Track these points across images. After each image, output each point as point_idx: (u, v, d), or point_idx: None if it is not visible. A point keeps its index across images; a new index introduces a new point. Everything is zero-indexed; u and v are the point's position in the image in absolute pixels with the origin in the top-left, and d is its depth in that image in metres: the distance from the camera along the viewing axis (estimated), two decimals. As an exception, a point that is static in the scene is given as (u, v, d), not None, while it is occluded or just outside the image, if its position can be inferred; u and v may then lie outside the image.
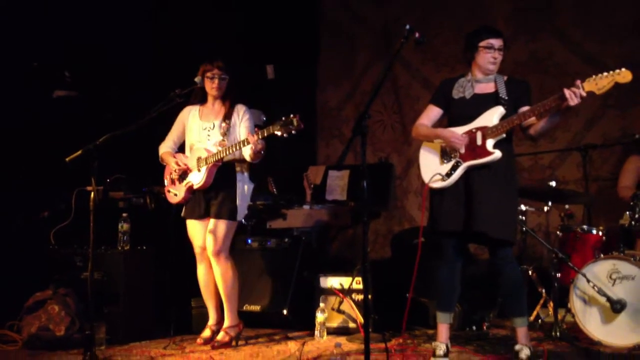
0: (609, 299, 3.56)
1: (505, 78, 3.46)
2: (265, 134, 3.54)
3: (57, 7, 4.44)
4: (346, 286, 4.21)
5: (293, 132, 3.44)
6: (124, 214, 4.15)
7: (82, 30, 4.56)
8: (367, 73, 6.27)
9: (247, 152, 3.74)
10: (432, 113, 3.58)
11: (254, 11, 5.65)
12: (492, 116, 3.36)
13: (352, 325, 4.17)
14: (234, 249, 4.16)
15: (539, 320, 4.11)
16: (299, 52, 6.14)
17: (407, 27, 3.24)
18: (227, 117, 3.86)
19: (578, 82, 3.13)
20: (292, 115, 3.42)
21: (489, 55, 3.40)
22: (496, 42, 3.40)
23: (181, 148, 4.05)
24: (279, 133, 3.48)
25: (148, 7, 4.95)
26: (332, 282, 4.27)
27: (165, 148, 4.01)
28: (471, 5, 5.67)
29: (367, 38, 6.27)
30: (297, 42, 6.09)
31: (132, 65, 4.78)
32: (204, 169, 3.78)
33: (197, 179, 3.81)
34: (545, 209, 4.10)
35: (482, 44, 3.40)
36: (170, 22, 5.07)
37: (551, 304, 3.95)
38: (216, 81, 3.84)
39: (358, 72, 6.32)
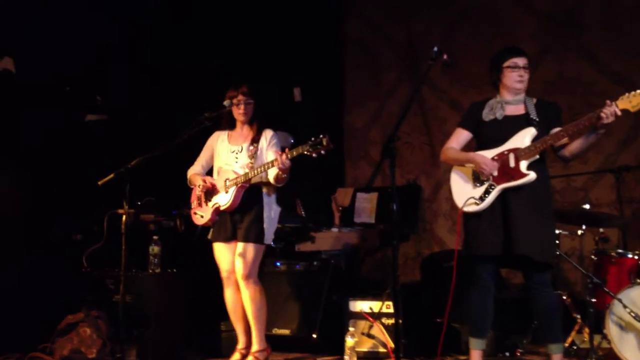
0: (646, 325, 3.47)
1: (535, 100, 3.45)
2: (295, 154, 3.55)
3: (86, 31, 4.53)
4: (376, 310, 4.17)
5: (322, 152, 3.44)
6: (155, 237, 4.17)
7: (111, 52, 4.65)
8: (393, 93, 6.28)
9: (272, 175, 3.75)
10: (461, 137, 3.56)
11: (279, 33, 5.70)
12: (524, 137, 3.34)
13: (382, 350, 4.12)
14: (263, 272, 4.15)
15: (574, 347, 4.02)
16: (325, 73, 6.18)
17: (435, 49, 3.25)
18: (255, 140, 3.89)
19: (608, 102, 3.11)
20: (321, 136, 3.43)
21: (515, 74, 3.39)
22: (520, 61, 3.40)
23: (209, 173, 4.07)
24: (308, 153, 3.47)
25: (176, 31, 5.03)
26: (361, 306, 4.23)
27: (194, 171, 4.06)
28: (497, 24, 5.66)
29: (393, 57, 6.28)
30: (323, 63, 6.13)
31: (161, 89, 4.84)
32: (231, 190, 3.79)
33: (224, 200, 3.82)
34: (579, 232, 4.04)
35: (506, 64, 3.41)
36: (198, 45, 5.14)
37: (587, 329, 3.87)
38: (242, 106, 3.88)
39: (384, 92, 6.33)
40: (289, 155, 3.58)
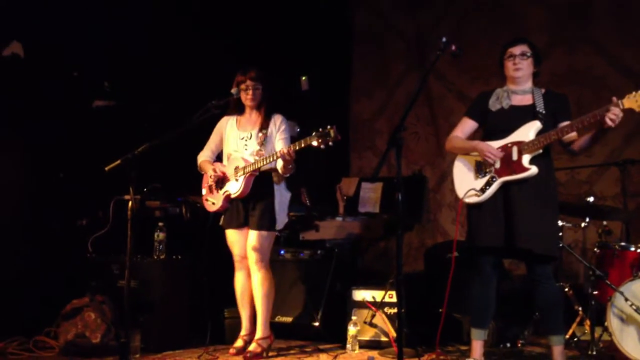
0: (647, 318, 3.48)
1: (543, 91, 3.43)
2: (303, 145, 3.55)
3: (96, 18, 4.53)
4: (379, 299, 4.19)
5: (330, 143, 3.44)
6: (160, 223, 4.20)
7: (121, 40, 4.65)
8: (400, 84, 6.27)
9: (279, 164, 3.77)
10: (467, 126, 3.56)
11: (287, 23, 5.69)
12: (529, 131, 3.33)
13: (384, 339, 4.15)
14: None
15: (575, 339, 4.03)
16: (332, 63, 6.17)
17: (444, 39, 3.24)
18: (264, 126, 3.89)
19: (615, 99, 3.08)
20: (329, 127, 3.43)
21: (510, 63, 3.41)
22: (516, 49, 3.39)
23: (219, 158, 4.09)
24: (315, 144, 3.48)
25: (184, 20, 5.03)
26: (364, 295, 4.25)
27: (204, 157, 4.06)
28: (506, 15, 5.63)
29: (401, 48, 6.27)
30: (330, 52, 6.12)
31: (169, 77, 4.85)
32: (241, 178, 3.81)
33: (234, 188, 3.84)
34: (583, 225, 4.05)
35: (505, 55, 3.42)
36: (206, 34, 5.14)
37: (588, 322, 3.88)
38: (250, 91, 3.88)
39: (391, 82, 6.32)
40: (296, 147, 3.57)
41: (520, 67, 3.38)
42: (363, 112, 6.50)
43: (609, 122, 3.08)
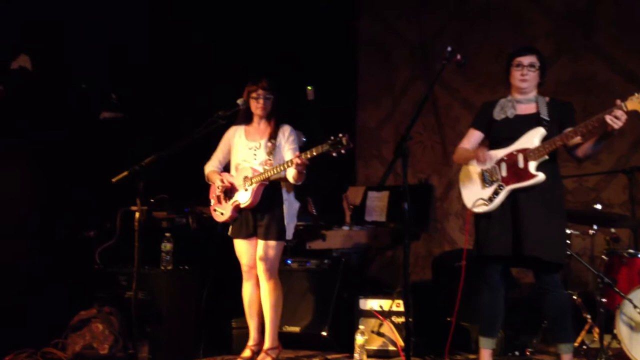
0: (656, 326, 3.47)
1: (547, 99, 3.43)
2: (315, 154, 3.54)
3: (103, 30, 4.57)
4: (386, 308, 4.18)
5: (342, 151, 3.44)
6: (167, 234, 4.21)
7: (128, 51, 4.69)
8: (406, 92, 6.28)
9: (290, 173, 3.76)
10: (473, 137, 3.57)
11: (293, 32, 5.72)
12: (533, 138, 3.33)
13: (392, 348, 4.13)
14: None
15: (584, 347, 4.00)
16: (338, 72, 6.19)
17: (449, 49, 3.26)
18: (273, 136, 3.89)
19: (618, 101, 3.08)
20: (341, 135, 3.43)
21: (517, 73, 3.40)
22: (524, 59, 3.39)
23: (227, 168, 4.10)
24: (328, 152, 3.48)
25: (191, 32, 5.07)
26: (372, 304, 4.24)
27: (211, 167, 4.06)
28: (511, 23, 5.64)
29: (406, 56, 6.28)
30: (336, 61, 6.13)
31: (176, 88, 4.88)
32: (250, 188, 3.81)
33: (244, 198, 3.84)
34: (591, 232, 4.03)
35: (512, 63, 3.41)
36: (213, 45, 5.17)
37: (597, 329, 3.86)
38: (261, 101, 3.89)
39: (397, 91, 6.33)
40: (308, 155, 3.57)
41: (527, 79, 3.38)
42: (369, 120, 6.51)
43: (610, 122, 3.06)
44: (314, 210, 4.99)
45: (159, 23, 4.85)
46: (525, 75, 3.38)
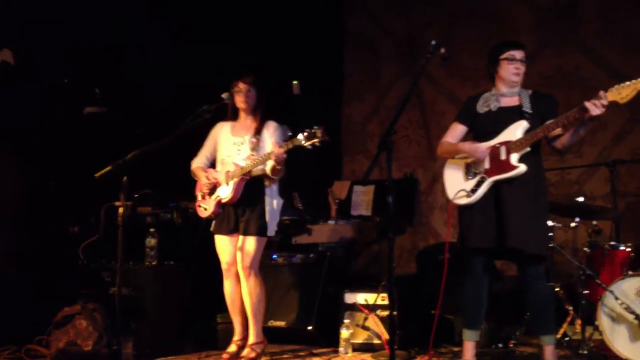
0: (637, 317, 3.49)
1: (530, 92, 3.45)
2: (290, 146, 3.56)
3: (86, 23, 4.54)
4: (371, 302, 4.20)
5: (317, 144, 3.46)
6: (152, 229, 4.19)
7: (113, 45, 4.66)
8: (392, 87, 6.28)
9: (268, 167, 3.76)
10: (457, 131, 3.58)
11: (279, 26, 5.70)
12: (516, 130, 3.35)
13: (377, 341, 4.15)
14: (260, 265, 4.17)
15: (567, 338, 4.04)
16: (324, 66, 6.18)
17: (433, 42, 3.28)
18: (258, 132, 3.89)
19: (601, 92, 3.11)
20: (316, 127, 3.45)
21: (511, 67, 3.41)
22: (518, 54, 3.41)
23: (214, 165, 4.08)
24: (303, 145, 3.49)
25: (176, 26, 5.04)
26: (357, 298, 4.26)
27: (198, 163, 4.05)
28: (495, 18, 5.66)
29: (392, 51, 6.28)
30: (322, 56, 6.13)
31: (161, 82, 4.85)
32: (232, 183, 3.81)
33: (225, 193, 3.84)
34: (573, 225, 4.06)
35: (503, 56, 3.42)
36: (199, 39, 5.15)
37: (579, 321, 3.90)
38: (242, 95, 3.88)
39: (383, 86, 6.34)
40: (284, 148, 3.59)
41: (520, 72, 3.41)
42: (355, 115, 6.51)
43: (589, 107, 3.08)
44: (300, 205, 4.99)
45: (144, 16, 4.82)
46: (519, 69, 3.41)
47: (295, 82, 5.89)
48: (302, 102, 5.81)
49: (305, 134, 3.48)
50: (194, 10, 5.22)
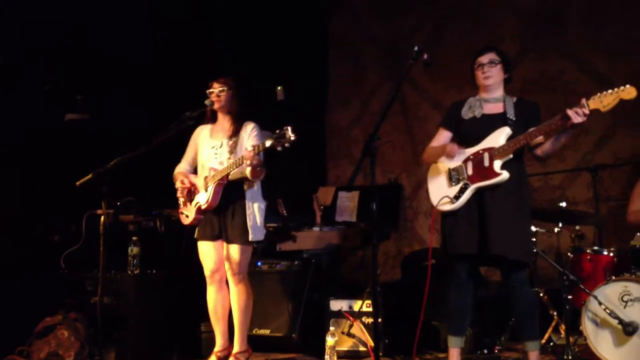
0: (620, 322, 3.51)
1: (515, 99, 3.47)
2: (261, 149, 3.50)
3: (69, 29, 4.50)
4: (356, 309, 4.18)
5: (286, 144, 3.38)
6: (134, 238, 4.15)
7: (95, 52, 4.62)
8: (376, 93, 6.30)
9: (247, 170, 3.70)
10: (442, 137, 3.59)
11: (263, 31, 5.69)
12: (499, 137, 3.36)
13: (362, 349, 4.13)
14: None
15: (551, 343, 4.06)
16: (309, 72, 6.18)
17: (416, 48, 3.29)
18: (235, 134, 3.84)
19: (583, 100, 3.13)
20: (285, 128, 3.38)
21: (479, 73, 3.46)
22: (483, 58, 3.45)
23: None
24: (270, 145, 3.42)
25: (159, 30, 5.01)
26: (342, 305, 4.24)
27: (180, 169, 4.00)
28: (479, 23, 5.70)
29: (376, 56, 6.31)
30: (307, 61, 6.13)
31: (143, 88, 4.82)
32: (209, 188, 3.75)
33: (203, 198, 3.79)
34: (556, 230, 4.08)
35: (474, 65, 3.46)
36: (181, 44, 5.12)
37: (563, 326, 3.91)
38: (214, 95, 3.82)
39: (367, 91, 6.36)
40: (255, 150, 3.53)
41: (489, 75, 3.42)
42: (340, 120, 6.51)
43: (571, 115, 3.11)
44: (284, 212, 4.97)
45: (126, 20, 4.78)
46: (487, 72, 3.42)
47: (279, 87, 5.89)
48: (287, 107, 5.81)
49: (275, 135, 3.41)
50: (177, 14, 5.18)
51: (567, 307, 3.84)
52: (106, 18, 4.67)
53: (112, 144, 4.09)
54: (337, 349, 4.05)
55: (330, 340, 4.02)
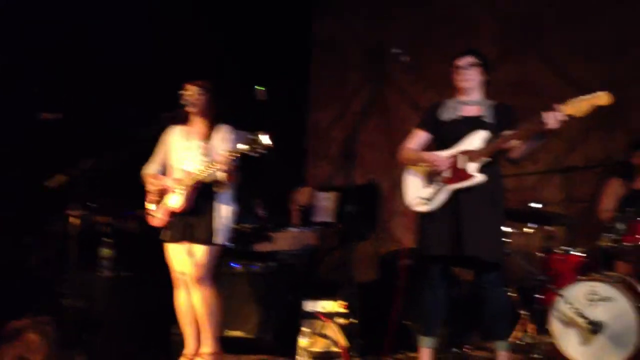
0: (587, 320, 3.55)
1: (492, 102, 3.49)
2: (235, 155, 3.49)
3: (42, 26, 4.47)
4: (331, 310, 4.18)
5: (260, 150, 3.37)
6: (106, 239, 4.11)
7: (72, 50, 4.59)
8: (358, 94, 6.30)
9: (222, 174, 3.68)
10: (419, 138, 3.60)
11: (244, 31, 5.68)
12: (476, 140, 3.38)
13: (336, 349, 4.13)
14: (218, 273, 4.12)
15: (519, 342, 4.08)
16: (291, 72, 6.17)
17: (394, 50, 3.30)
18: (208, 136, 3.81)
19: (556, 106, 3.16)
20: (257, 133, 3.36)
21: (456, 75, 3.48)
22: (460, 62, 3.47)
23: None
24: (243, 149, 3.41)
25: (139, 29, 4.98)
26: (316, 305, 4.24)
27: (148, 170, 3.97)
28: (459, 26, 5.72)
29: (358, 57, 6.32)
30: (289, 61, 6.12)
31: (122, 86, 4.79)
32: (180, 191, 3.72)
33: (174, 201, 3.76)
34: (527, 230, 4.11)
35: (453, 67, 3.48)
36: (162, 44, 5.10)
37: (531, 325, 3.94)
38: (187, 95, 3.80)
39: (349, 92, 6.36)
40: (227, 156, 3.52)
41: (466, 78, 3.45)
42: (321, 121, 6.51)
43: (546, 120, 3.14)
44: (261, 212, 4.95)
45: (106, 18, 4.75)
46: (464, 74, 3.44)
47: (260, 87, 5.87)
48: (268, 107, 5.79)
49: (248, 140, 3.39)
50: (156, 12, 5.15)
51: (536, 306, 3.88)
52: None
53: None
54: (310, 349, 4.05)
55: (302, 341, 4.02)
